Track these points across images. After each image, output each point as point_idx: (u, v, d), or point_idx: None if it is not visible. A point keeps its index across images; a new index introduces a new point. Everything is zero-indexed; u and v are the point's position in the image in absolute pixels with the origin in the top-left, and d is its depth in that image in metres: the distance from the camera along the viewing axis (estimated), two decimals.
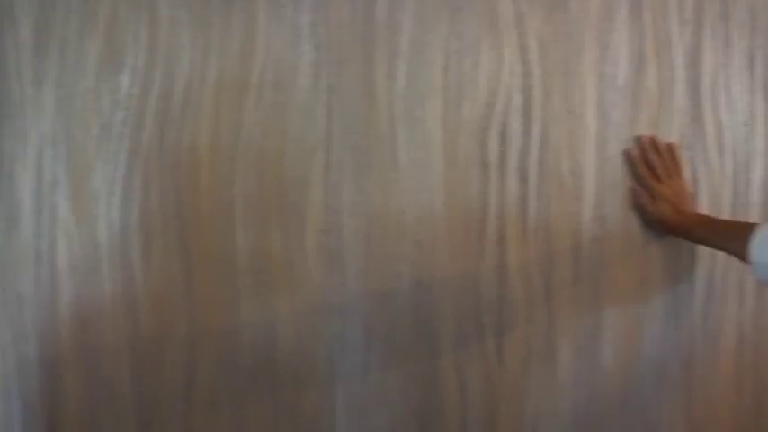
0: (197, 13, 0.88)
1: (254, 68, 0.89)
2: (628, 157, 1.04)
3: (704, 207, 1.14)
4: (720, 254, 1.11)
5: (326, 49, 0.86)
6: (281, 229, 0.86)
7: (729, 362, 1.15)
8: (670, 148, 1.06)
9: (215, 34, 0.88)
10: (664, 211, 1.03)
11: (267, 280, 0.87)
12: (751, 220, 1.16)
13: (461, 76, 0.90)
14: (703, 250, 1.14)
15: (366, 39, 0.86)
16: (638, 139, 1.04)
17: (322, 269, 0.87)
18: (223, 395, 0.91)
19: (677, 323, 1.09)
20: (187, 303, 0.85)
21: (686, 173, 1.08)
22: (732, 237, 0.97)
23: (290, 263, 0.87)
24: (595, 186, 0.99)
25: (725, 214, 1.16)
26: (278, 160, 0.85)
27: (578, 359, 1.01)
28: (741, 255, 0.95)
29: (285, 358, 0.88)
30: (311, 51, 0.85)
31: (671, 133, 1.07)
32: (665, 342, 1.09)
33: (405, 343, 0.90)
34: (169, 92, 0.87)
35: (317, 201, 0.85)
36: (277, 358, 0.88)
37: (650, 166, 1.04)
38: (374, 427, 0.91)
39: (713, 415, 1.15)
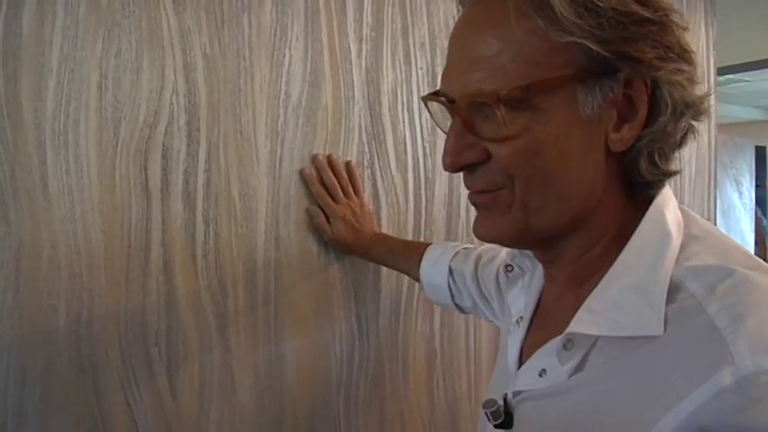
0: None
1: None
2: (303, 177, 1.32)
3: (387, 225, 1.45)
4: None
5: None
6: None
7: (421, 376, 1.50)
8: (348, 167, 1.36)
9: None
10: (340, 231, 1.33)
11: None
12: (433, 237, 1.48)
13: (119, 96, 1.12)
14: (389, 268, 1.43)
15: (9, 55, 1.04)
16: (314, 158, 1.33)
17: None
18: None
19: (365, 342, 1.43)
20: None
21: (366, 191, 1.41)
22: (405, 256, 1.29)
23: None
24: (268, 208, 1.27)
25: (408, 231, 1.48)
26: None
27: (259, 386, 1.27)
28: (414, 275, 1.26)
29: None
30: None
31: (350, 151, 1.38)
32: (353, 362, 1.41)
33: (66, 383, 1.09)
34: None
35: None
36: None
37: (326, 186, 1.33)
38: None
39: (408, 428, 1.50)
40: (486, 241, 0.70)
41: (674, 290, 0.58)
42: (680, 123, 0.62)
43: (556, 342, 0.69)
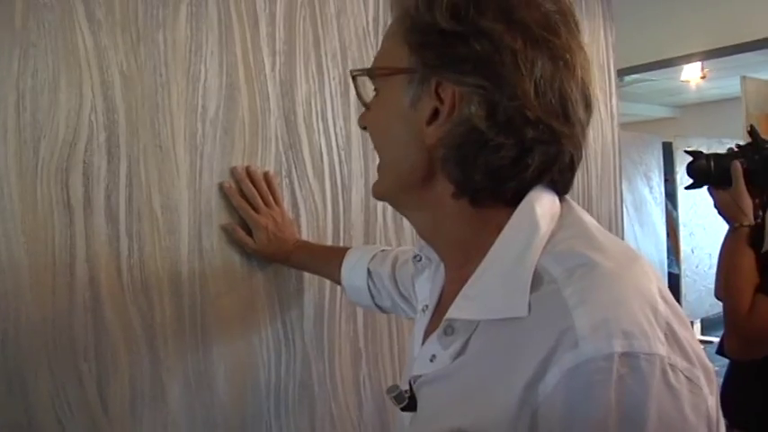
0: None
1: None
2: (223, 190, 1.38)
3: (306, 231, 1.52)
4: None
5: None
6: None
7: (348, 375, 1.59)
8: (266, 177, 1.43)
9: None
10: (262, 241, 1.40)
11: None
12: (353, 241, 1.56)
13: (37, 115, 1.16)
14: (311, 274, 1.52)
15: None
16: (233, 171, 1.40)
17: None
18: None
19: (291, 347, 1.50)
20: None
21: (285, 200, 1.48)
22: (326, 261, 1.37)
23: None
24: (191, 220, 1.33)
25: (328, 237, 1.56)
26: None
27: (190, 395, 1.32)
28: (335, 278, 1.34)
29: None
30: None
31: (268, 162, 1.45)
32: (280, 366, 1.48)
33: None
34: None
35: None
36: None
37: (246, 197, 1.39)
38: None
39: (339, 427, 1.58)
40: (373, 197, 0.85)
41: (538, 276, 0.64)
42: (479, 136, 0.68)
43: (439, 329, 0.76)
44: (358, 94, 0.81)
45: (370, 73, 0.78)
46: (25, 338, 1.15)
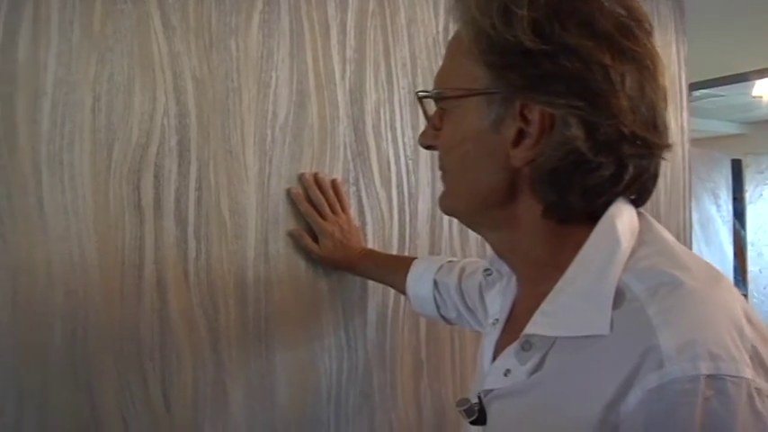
0: None
1: None
2: (291, 196, 1.37)
3: (372, 240, 1.50)
4: None
5: None
6: None
7: (409, 386, 1.55)
8: (334, 184, 1.41)
9: None
10: (328, 248, 1.38)
11: None
12: (418, 251, 1.54)
13: (112, 118, 1.16)
14: (375, 282, 1.49)
15: (5, 79, 1.08)
16: (301, 177, 1.38)
17: None
18: None
19: (353, 355, 1.47)
20: None
21: (352, 207, 1.46)
22: (392, 270, 1.34)
23: None
24: (258, 225, 1.32)
25: (393, 246, 1.53)
26: None
27: (251, 399, 1.31)
28: (400, 288, 1.31)
29: None
30: None
31: (336, 169, 1.44)
32: (342, 374, 1.45)
33: (62, 400, 1.12)
34: None
35: None
36: None
37: (314, 203, 1.38)
38: None
39: None
40: (441, 210, 0.83)
41: (619, 293, 0.62)
42: (580, 156, 0.64)
43: (516, 344, 0.73)
44: (426, 115, 0.78)
45: (441, 95, 0.74)
46: (93, 337, 1.15)
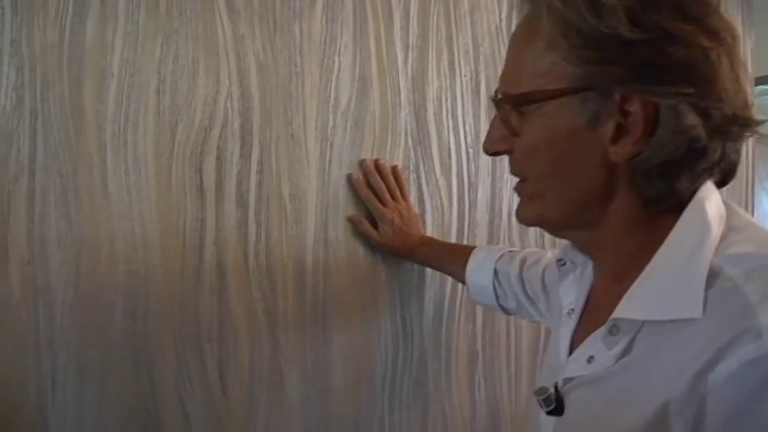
0: None
1: None
2: (351, 181, 1.35)
3: (431, 228, 1.47)
4: None
5: (30, 70, 1.07)
6: None
7: (463, 376, 1.53)
8: (394, 171, 1.39)
9: None
10: (387, 234, 1.36)
11: None
12: (476, 240, 1.51)
13: (176, 100, 1.16)
14: (433, 270, 1.48)
15: (73, 60, 1.08)
16: (362, 163, 1.36)
17: (28, 303, 1.07)
18: None
19: (409, 343, 1.45)
20: None
21: (412, 195, 1.44)
22: (451, 259, 1.32)
23: None
24: (318, 209, 1.31)
25: (452, 234, 1.51)
26: None
27: (307, 383, 1.30)
28: (459, 276, 1.28)
29: None
30: (12, 73, 1.06)
31: (396, 156, 1.42)
32: (397, 361, 1.43)
33: (121, 377, 1.13)
34: None
35: (20, 231, 1.06)
36: None
37: (374, 189, 1.36)
38: None
39: (450, 428, 1.52)
40: (520, 222, 0.77)
41: (713, 276, 0.59)
42: (696, 144, 0.62)
43: (602, 329, 0.71)
44: (506, 122, 0.71)
45: (527, 98, 0.67)
46: (153, 317, 1.15)
